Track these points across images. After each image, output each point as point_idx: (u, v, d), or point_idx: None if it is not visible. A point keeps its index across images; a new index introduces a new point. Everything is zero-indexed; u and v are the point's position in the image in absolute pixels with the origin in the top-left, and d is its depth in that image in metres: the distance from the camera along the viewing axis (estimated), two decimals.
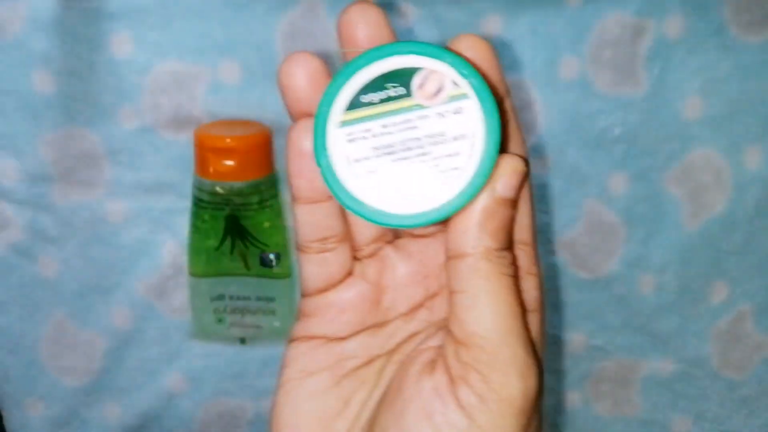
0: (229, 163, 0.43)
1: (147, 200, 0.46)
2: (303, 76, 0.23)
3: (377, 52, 0.21)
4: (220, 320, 0.47)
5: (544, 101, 0.45)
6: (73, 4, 0.42)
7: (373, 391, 0.25)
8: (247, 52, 0.43)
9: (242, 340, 0.49)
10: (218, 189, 0.43)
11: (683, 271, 0.49)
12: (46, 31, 0.42)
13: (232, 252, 0.45)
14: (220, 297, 0.46)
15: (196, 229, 0.45)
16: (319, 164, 0.22)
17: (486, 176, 0.21)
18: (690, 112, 0.46)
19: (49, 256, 0.47)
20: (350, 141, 0.21)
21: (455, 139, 0.21)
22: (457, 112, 0.21)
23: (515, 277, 0.23)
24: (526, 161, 0.23)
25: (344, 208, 0.22)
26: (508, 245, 0.23)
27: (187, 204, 0.45)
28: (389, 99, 0.21)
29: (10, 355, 0.48)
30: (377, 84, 0.21)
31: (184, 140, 0.45)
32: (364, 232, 0.26)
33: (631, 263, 0.48)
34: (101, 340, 0.48)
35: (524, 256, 0.24)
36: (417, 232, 0.26)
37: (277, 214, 0.46)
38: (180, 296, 0.48)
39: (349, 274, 0.26)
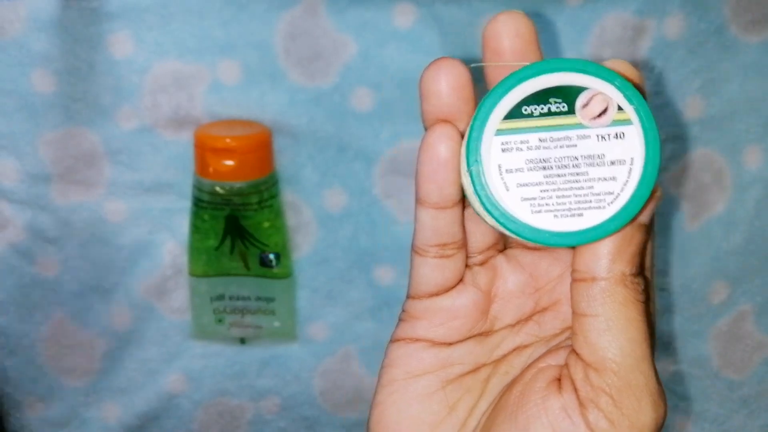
0: (229, 163, 0.43)
1: (147, 200, 0.46)
2: (447, 83, 0.22)
3: (544, 66, 0.21)
4: (219, 320, 0.47)
5: None
6: (73, 4, 0.42)
7: (479, 400, 0.25)
8: (246, 51, 0.43)
9: (242, 340, 0.49)
10: (218, 189, 0.43)
11: (683, 272, 0.49)
12: (46, 31, 0.42)
13: (232, 252, 0.45)
14: (220, 297, 0.46)
15: (196, 229, 0.45)
16: (468, 169, 0.21)
17: (641, 205, 0.21)
18: (690, 111, 0.46)
19: (48, 256, 0.47)
20: (504, 150, 0.21)
21: (613, 163, 0.21)
22: (618, 136, 0.21)
23: (647, 304, 0.23)
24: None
25: (485, 216, 0.22)
26: (642, 271, 0.23)
27: (186, 204, 0.45)
28: (550, 113, 0.21)
29: (9, 355, 0.48)
30: (540, 97, 0.21)
31: (184, 140, 0.45)
32: (478, 239, 0.25)
33: None
34: (101, 341, 0.48)
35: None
36: (531, 244, 0.25)
37: (277, 214, 0.45)
38: (180, 296, 0.48)
39: (462, 280, 0.25)
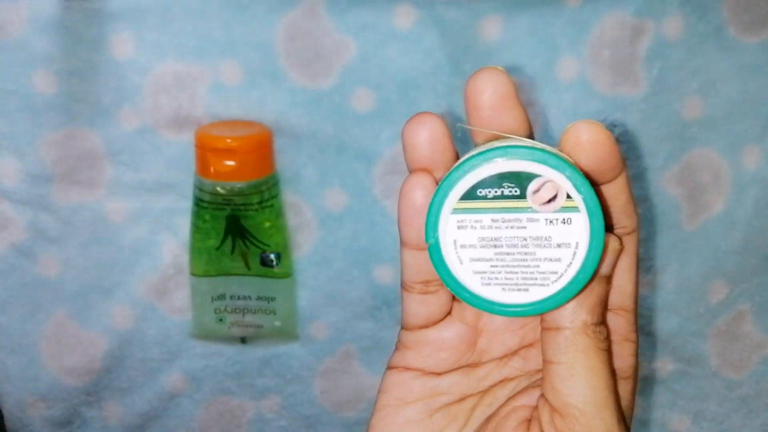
0: (230, 163, 0.43)
1: (148, 200, 0.46)
2: (426, 137, 0.24)
3: (502, 151, 0.22)
4: (220, 320, 0.47)
5: (543, 102, 0.45)
6: (74, 5, 0.42)
7: (463, 428, 0.27)
8: (247, 52, 0.43)
9: (243, 340, 0.49)
10: (219, 189, 0.43)
11: (682, 271, 0.49)
12: (47, 31, 0.42)
13: (232, 252, 0.45)
14: (221, 297, 0.47)
15: (197, 229, 0.45)
16: (427, 241, 0.23)
17: (581, 286, 0.23)
18: (689, 112, 0.46)
19: (50, 256, 0.47)
20: (460, 228, 0.23)
21: (559, 246, 0.22)
22: (566, 222, 0.22)
23: (609, 351, 0.24)
24: (636, 232, 0.24)
25: (445, 286, 0.24)
26: (604, 319, 0.24)
27: (188, 204, 0.45)
28: (503, 197, 0.22)
29: (11, 354, 0.49)
30: (494, 181, 0.22)
31: (185, 140, 0.45)
32: None
33: None
34: (102, 340, 0.48)
35: (624, 322, 0.25)
36: None
37: (278, 214, 0.46)
38: (181, 296, 0.48)
39: (449, 314, 0.27)
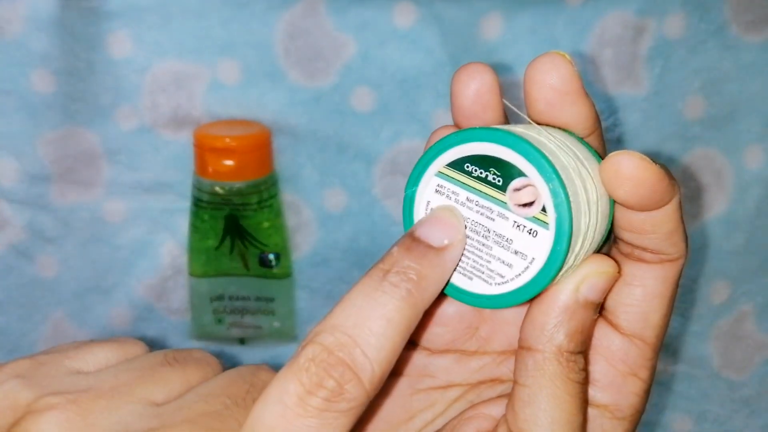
0: (229, 163, 0.43)
1: (146, 200, 0.46)
2: (474, 88, 0.23)
3: (506, 137, 0.21)
4: (219, 320, 0.47)
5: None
6: (72, 4, 0.42)
7: (438, 418, 0.25)
8: (246, 51, 0.43)
9: (241, 341, 0.49)
10: (218, 189, 0.43)
11: (684, 272, 0.48)
12: (46, 30, 0.42)
13: (231, 252, 0.45)
14: (220, 297, 0.46)
15: (195, 229, 0.45)
16: (405, 191, 0.23)
17: (514, 303, 0.21)
18: (691, 111, 0.46)
19: (48, 256, 0.47)
20: (437, 191, 0.22)
21: (515, 253, 0.21)
22: (531, 233, 0.21)
23: (584, 384, 0.21)
24: (680, 261, 0.22)
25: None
26: (584, 349, 0.22)
27: (186, 204, 0.45)
28: (485, 181, 0.21)
29: (8, 355, 0.48)
30: (484, 161, 0.21)
31: (184, 140, 0.45)
32: None
33: None
34: None
35: (636, 354, 0.23)
36: None
37: (277, 214, 0.46)
38: (179, 296, 0.48)
39: None
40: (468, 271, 0.22)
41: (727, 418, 0.52)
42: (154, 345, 0.49)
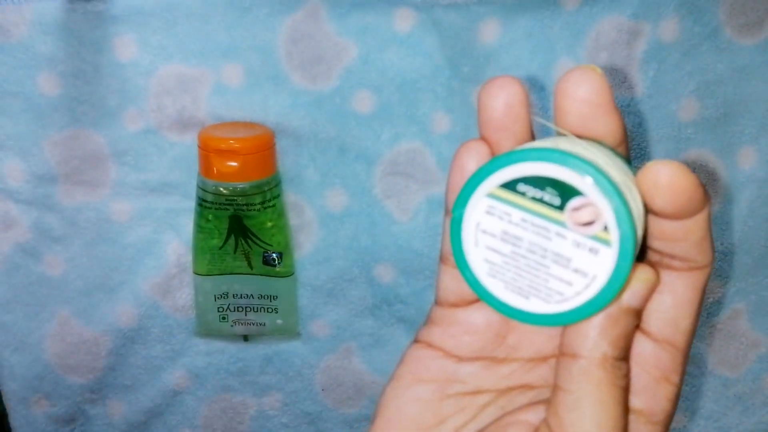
0: (233, 164, 0.43)
1: (152, 200, 0.46)
2: (503, 101, 0.23)
3: (561, 156, 0.20)
4: (223, 318, 0.48)
5: (540, 104, 0.45)
6: (78, 8, 0.42)
7: (469, 423, 0.25)
8: (249, 55, 0.44)
9: (245, 338, 0.49)
10: (222, 189, 0.44)
11: None
12: (52, 34, 0.42)
13: (235, 251, 0.46)
14: (224, 295, 0.47)
15: (200, 228, 0.46)
16: (453, 211, 0.22)
17: (580, 317, 0.21)
18: (685, 114, 0.46)
19: (54, 256, 0.47)
20: (488, 213, 0.22)
21: (575, 271, 0.21)
22: (592, 251, 0.21)
23: (626, 390, 0.22)
24: (708, 268, 0.22)
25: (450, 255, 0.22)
26: (626, 355, 0.22)
27: (191, 204, 0.46)
28: (541, 201, 0.21)
29: (15, 353, 0.49)
30: (540, 182, 0.21)
31: (189, 142, 0.45)
32: None
33: None
34: (106, 339, 0.49)
35: (668, 359, 0.23)
36: None
37: (280, 214, 0.46)
38: (184, 295, 0.48)
39: None
40: (524, 291, 0.22)
41: (721, 414, 0.52)
42: (159, 342, 0.49)
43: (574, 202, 0.21)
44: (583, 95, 0.21)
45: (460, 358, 0.26)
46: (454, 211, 0.22)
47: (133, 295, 0.48)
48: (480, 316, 0.25)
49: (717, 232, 0.48)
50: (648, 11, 0.44)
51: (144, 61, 0.43)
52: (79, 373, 0.49)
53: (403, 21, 0.43)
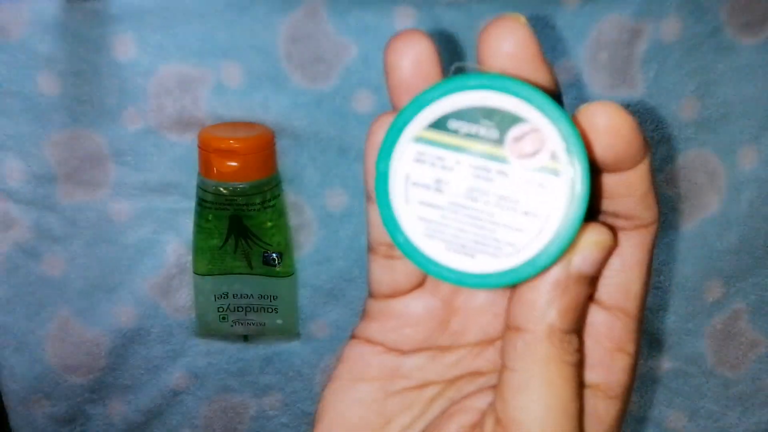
0: (233, 164, 0.43)
1: (152, 200, 0.46)
2: (411, 58, 0.20)
3: (494, 81, 0.18)
4: (223, 318, 0.48)
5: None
6: (77, 7, 0.42)
7: (417, 420, 0.24)
8: (249, 54, 0.44)
9: (245, 338, 0.49)
10: (222, 189, 0.44)
11: (678, 270, 0.49)
12: (51, 33, 0.42)
13: (235, 251, 0.46)
14: (224, 295, 0.47)
15: (200, 228, 0.46)
16: (377, 168, 0.19)
17: (537, 271, 0.18)
18: (685, 113, 0.46)
19: (54, 256, 0.47)
20: (417, 161, 0.19)
21: (525, 214, 0.18)
22: (541, 185, 0.18)
23: (578, 367, 0.20)
24: (654, 225, 0.20)
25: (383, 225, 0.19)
26: (578, 328, 0.20)
27: (191, 204, 0.46)
28: (477, 136, 0.18)
29: (15, 353, 0.49)
30: (473, 114, 0.18)
31: (188, 142, 0.45)
32: None
33: None
34: (106, 339, 0.49)
35: (620, 328, 0.21)
36: None
37: (280, 214, 0.46)
38: (184, 295, 0.48)
39: (420, 285, 0.23)
40: (469, 248, 0.19)
41: (721, 414, 0.52)
42: (159, 342, 0.49)
43: (514, 131, 0.18)
44: (507, 50, 0.19)
45: (402, 352, 0.23)
46: (378, 166, 0.19)
47: (133, 296, 0.48)
48: (418, 304, 0.23)
49: (717, 232, 0.48)
50: (649, 10, 0.44)
51: (143, 60, 0.43)
52: (79, 373, 0.49)
53: (403, 19, 0.43)
